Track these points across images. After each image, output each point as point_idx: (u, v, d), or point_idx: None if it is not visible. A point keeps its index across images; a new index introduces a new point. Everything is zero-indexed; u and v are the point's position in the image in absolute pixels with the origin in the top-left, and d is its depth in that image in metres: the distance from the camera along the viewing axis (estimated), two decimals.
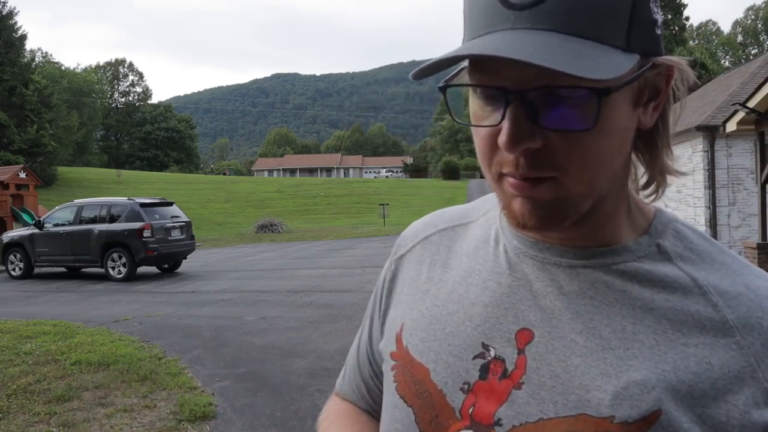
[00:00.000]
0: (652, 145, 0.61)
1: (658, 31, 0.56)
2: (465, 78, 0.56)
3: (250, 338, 6.74)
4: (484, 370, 0.60)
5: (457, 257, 0.70)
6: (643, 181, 0.63)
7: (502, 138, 0.53)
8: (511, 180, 0.55)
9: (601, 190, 0.56)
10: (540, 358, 0.58)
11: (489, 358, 0.61)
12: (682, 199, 14.95)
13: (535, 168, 0.53)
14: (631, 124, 0.56)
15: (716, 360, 0.54)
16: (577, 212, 0.56)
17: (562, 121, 0.52)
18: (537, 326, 0.59)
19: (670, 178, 0.63)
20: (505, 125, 0.52)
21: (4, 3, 43.90)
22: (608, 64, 0.49)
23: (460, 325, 0.64)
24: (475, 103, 0.56)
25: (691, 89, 0.61)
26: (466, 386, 0.61)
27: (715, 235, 13.41)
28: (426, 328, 0.66)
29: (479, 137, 0.57)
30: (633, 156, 0.61)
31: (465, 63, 0.56)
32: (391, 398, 0.68)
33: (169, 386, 4.99)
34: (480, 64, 0.54)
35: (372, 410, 0.81)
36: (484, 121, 0.56)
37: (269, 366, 5.62)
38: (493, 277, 0.65)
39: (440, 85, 0.58)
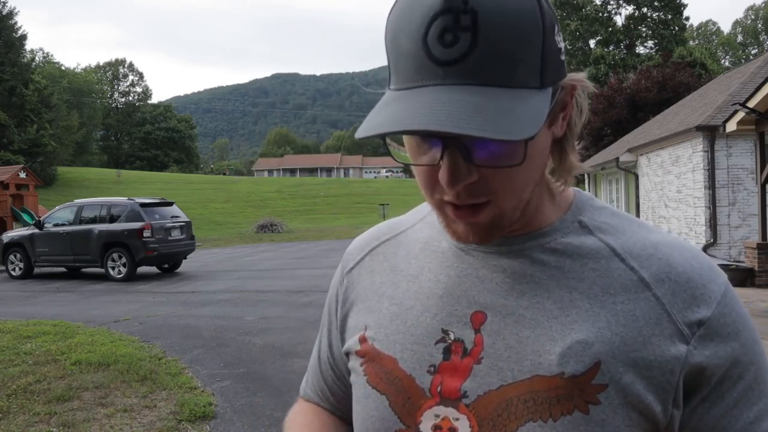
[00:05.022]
0: (561, 149, 0.68)
1: (562, 57, 0.62)
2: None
3: (250, 338, 6.73)
4: (447, 352, 0.67)
5: (404, 260, 0.77)
6: (550, 173, 0.71)
7: (444, 178, 0.59)
8: (452, 209, 0.63)
9: (528, 198, 0.65)
10: (495, 335, 0.66)
11: (449, 341, 0.68)
12: (682, 199, 14.94)
13: (472, 196, 0.61)
14: (548, 141, 0.65)
15: (639, 312, 0.64)
16: (510, 223, 0.65)
17: (494, 159, 0.59)
18: (489, 307, 0.68)
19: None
20: (444, 166, 0.59)
21: (4, 3, 43.90)
22: (530, 119, 0.54)
23: (420, 316, 0.70)
24: (412, 141, 0.63)
25: (589, 96, 0.69)
26: (432, 368, 0.67)
27: (715, 235, 13.42)
28: (388, 324, 0.72)
29: (419, 171, 0.64)
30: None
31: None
32: (362, 390, 0.73)
33: (169, 386, 4.99)
34: None
35: (335, 410, 0.88)
36: (422, 157, 0.62)
37: (269, 366, 5.62)
38: (443, 271, 0.72)
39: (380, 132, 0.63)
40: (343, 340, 0.80)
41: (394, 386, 0.69)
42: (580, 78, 0.65)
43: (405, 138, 0.63)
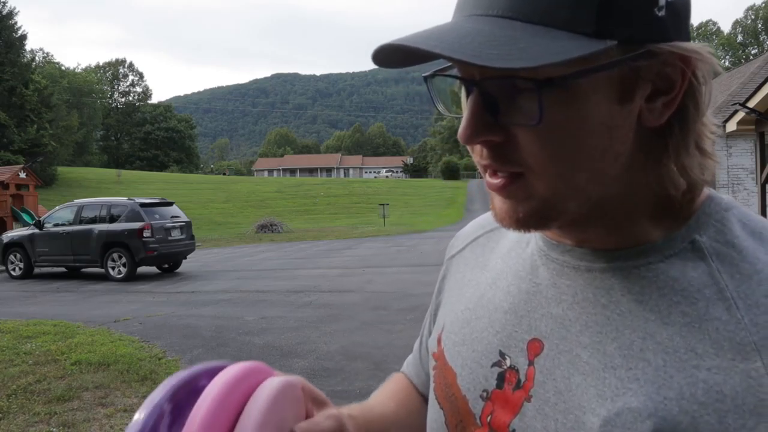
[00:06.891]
0: (662, 148, 0.51)
1: (661, 13, 0.47)
2: (453, 69, 0.54)
3: (250, 338, 6.73)
4: (501, 379, 0.60)
5: (494, 258, 0.69)
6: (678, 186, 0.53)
7: (459, 130, 0.50)
8: (488, 178, 0.53)
9: (588, 191, 0.51)
10: (547, 372, 0.55)
11: (505, 367, 0.59)
12: None
13: (498, 162, 0.51)
14: (619, 121, 0.49)
15: (729, 390, 0.45)
16: (558, 213, 0.52)
17: (514, 115, 0.48)
18: (547, 337, 0.57)
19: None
20: (464, 116, 0.50)
21: (4, 3, 43.91)
22: (536, 54, 0.43)
23: (484, 330, 0.63)
24: (462, 94, 0.55)
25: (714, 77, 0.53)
26: (485, 394, 0.60)
27: None
28: (458, 331, 0.67)
29: None
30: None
31: None
32: (432, 397, 0.69)
33: None
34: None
35: (423, 389, 0.82)
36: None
37: (269, 366, 5.62)
38: (515, 282, 0.63)
39: (425, 74, 0.56)
40: (430, 332, 0.76)
41: (450, 404, 0.64)
42: (697, 49, 0.48)
43: (456, 90, 0.56)
